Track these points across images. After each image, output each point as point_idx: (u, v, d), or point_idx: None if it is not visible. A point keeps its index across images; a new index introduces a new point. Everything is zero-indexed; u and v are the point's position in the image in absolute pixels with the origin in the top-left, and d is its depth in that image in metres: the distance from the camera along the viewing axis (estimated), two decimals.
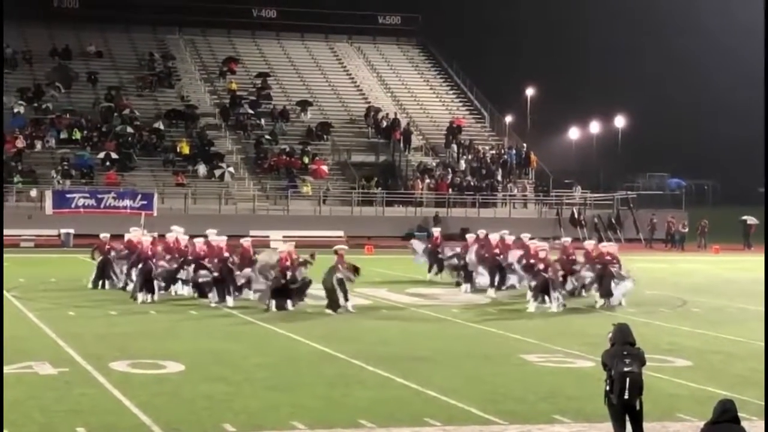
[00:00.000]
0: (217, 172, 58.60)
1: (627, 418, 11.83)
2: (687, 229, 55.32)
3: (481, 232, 32.86)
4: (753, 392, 15.97)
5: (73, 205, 42.80)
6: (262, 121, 64.64)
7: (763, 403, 14.25)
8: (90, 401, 15.19)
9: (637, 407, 11.73)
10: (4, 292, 27.94)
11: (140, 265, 27.50)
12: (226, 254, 27.12)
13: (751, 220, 55.37)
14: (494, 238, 31.31)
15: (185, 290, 28.39)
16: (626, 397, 11.66)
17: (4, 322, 21.09)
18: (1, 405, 12.70)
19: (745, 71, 63.89)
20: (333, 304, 25.84)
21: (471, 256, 31.13)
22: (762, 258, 35.32)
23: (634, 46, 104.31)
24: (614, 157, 73.77)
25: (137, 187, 53.93)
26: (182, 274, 28.04)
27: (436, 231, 36.57)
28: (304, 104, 67.04)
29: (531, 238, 30.67)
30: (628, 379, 11.65)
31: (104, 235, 31.07)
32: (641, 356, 11.92)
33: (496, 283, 30.38)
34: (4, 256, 36.67)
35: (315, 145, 63.19)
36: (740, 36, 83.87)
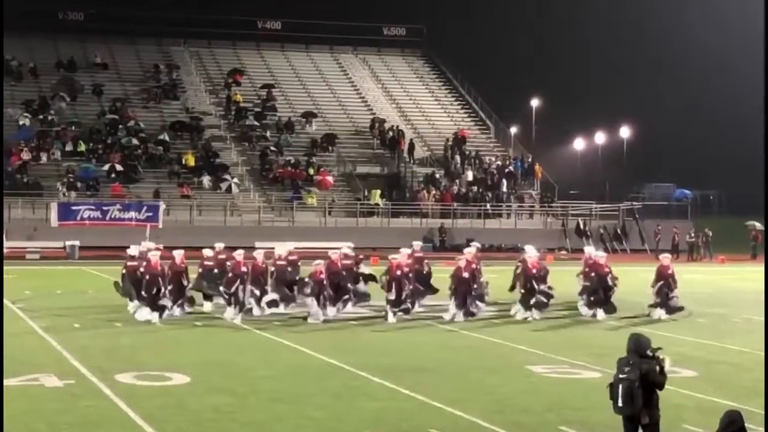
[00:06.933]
0: (223, 184, 58.67)
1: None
2: (695, 239, 55.11)
3: (531, 248, 28.89)
4: (759, 403, 15.89)
5: (78, 218, 42.70)
6: (267, 132, 64.73)
7: None
8: (96, 413, 15.19)
9: (644, 421, 11.48)
10: (11, 304, 28.00)
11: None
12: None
13: (758, 225, 54.78)
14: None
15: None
16: (619, 404, 11.39)
17: (11, 334, 21.14)
18: (1, 416, 12.68)
19: (753, 82, 63.82)
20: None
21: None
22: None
23: (639, 56, 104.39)
24: (619, 167, 73.71)
25: (142, 199, 53.95)
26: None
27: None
28: (309, 116, 67.15)
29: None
30: (620, 386, 11.33)
31: (132, 252, 27.52)
32: (642, 366, 11.39)
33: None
34: (11, 268, 36.79)
35: (320, 157, 63.29)
36: (739, 48, 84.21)
